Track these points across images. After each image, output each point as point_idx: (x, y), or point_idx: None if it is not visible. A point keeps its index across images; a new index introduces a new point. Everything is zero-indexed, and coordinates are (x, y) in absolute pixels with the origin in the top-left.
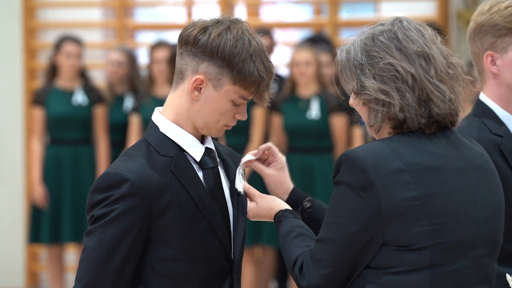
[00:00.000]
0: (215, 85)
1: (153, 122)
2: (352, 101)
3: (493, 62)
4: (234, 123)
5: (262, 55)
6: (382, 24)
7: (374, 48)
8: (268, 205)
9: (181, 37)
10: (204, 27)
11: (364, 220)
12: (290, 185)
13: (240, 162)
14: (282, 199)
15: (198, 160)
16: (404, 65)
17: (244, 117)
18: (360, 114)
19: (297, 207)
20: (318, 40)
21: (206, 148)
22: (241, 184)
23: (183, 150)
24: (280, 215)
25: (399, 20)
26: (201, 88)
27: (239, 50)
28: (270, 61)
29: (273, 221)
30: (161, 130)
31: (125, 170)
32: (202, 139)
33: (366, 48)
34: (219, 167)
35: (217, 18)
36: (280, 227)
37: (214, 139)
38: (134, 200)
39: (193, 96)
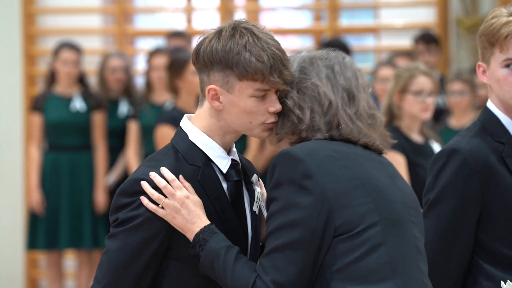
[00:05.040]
0: (228, 89)
1: (182, 129)
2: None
3: (484, 72)
4: (272, 118)
5: (259, 42)
6: (327, 52)
7: (309, 67)
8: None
9: (191, 58)
10: (200, 42)
11: (316, 212)
12: None
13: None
14: None
15: (224, 171)
16: (326, 91)
17: (276, 108)
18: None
19: None
20: (335, 45)
21: (232, 160)
22: (256, 204)
23: (210, 160)
24: (212, 229)
25: (342, 57)
26: (218, 97)
27: (230, 46)
28: (272, 45)
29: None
30: (190, 138)
31: None
32: (228, 152)
33: (302, 65)
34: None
35: (215, 28)
36: (212, 240)
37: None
38: None
39: (215, 107)
